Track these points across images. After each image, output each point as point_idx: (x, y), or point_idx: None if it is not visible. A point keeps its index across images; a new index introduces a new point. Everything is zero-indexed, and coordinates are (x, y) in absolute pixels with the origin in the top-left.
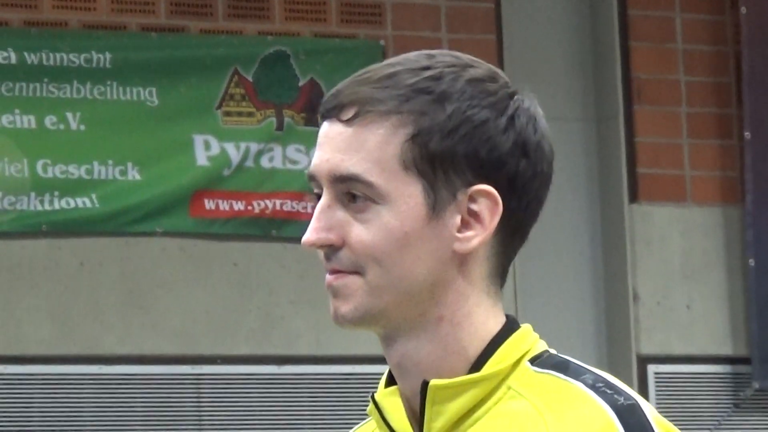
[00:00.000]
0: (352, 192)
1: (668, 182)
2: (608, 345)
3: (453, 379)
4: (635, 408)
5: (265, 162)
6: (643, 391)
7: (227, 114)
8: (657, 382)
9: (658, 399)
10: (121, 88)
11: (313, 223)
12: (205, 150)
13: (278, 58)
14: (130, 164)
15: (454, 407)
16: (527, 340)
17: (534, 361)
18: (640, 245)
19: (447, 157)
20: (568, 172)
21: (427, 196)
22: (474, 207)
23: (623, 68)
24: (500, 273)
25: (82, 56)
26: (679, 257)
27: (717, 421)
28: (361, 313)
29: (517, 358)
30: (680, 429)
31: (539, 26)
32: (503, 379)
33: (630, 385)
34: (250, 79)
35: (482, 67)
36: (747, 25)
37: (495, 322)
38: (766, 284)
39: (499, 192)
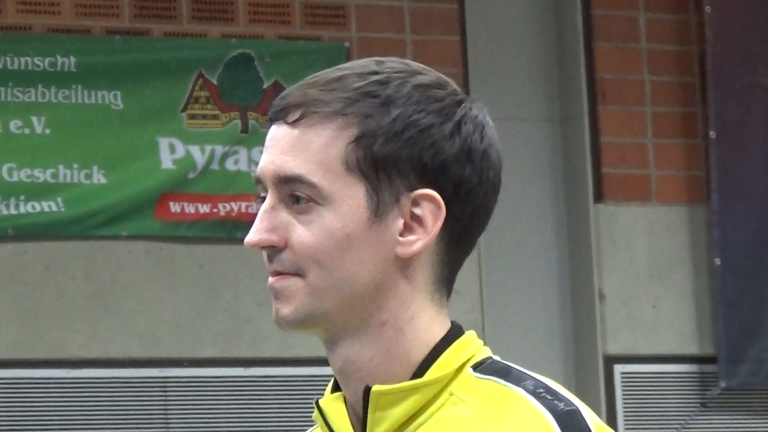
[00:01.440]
0: (296, 194)
1: (633, 182)
2: (574, 345)
3: (395, 385)
4: (575, 414)
5: (230, 164)
6: (610, 391)
7: (192, 117)
8: (623, 381)
9: (624, 399)
10: (86, 92)
11: (256, 224)
12: (170, 153)
13: (242, 61)
14: (95, 168)
15: (397, 413)
16: (470, 346)
17: (477, 367)
18: (605, 245)
19: (391, 161)
20: (533, 172)
21: (369, 198)
22: (417, 211)
23: (587, 68)
24: (446, 280)
25: (47, 60)
26: (644, 257)
27: (684, 420)
28: (302, 315)
29: (459, 365)
30: (647, 429)
31: (503, 27)
32: (446, 385)
33: (596, 385)
34: (214, 81)
35: (431, 74)
36: (711, 24)
37: (439, 328)
38: (731, 283)
39: (443, 197)
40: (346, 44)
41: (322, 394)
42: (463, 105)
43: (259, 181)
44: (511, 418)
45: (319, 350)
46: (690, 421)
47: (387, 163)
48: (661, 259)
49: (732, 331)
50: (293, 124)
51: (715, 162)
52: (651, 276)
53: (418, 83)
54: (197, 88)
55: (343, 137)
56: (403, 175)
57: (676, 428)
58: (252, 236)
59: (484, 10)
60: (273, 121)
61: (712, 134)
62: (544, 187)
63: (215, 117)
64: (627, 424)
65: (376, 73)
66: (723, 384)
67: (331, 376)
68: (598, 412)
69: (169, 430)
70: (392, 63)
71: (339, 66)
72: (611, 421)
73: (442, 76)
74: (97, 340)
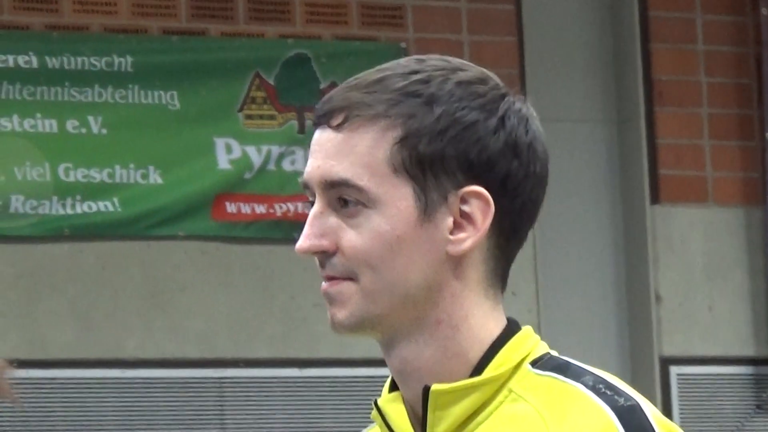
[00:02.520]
0: (344, 197)
1: (689, 183)
2: (630, 346)
3: (454, 384)
4: (636, 409)
5: (286, 165)
6: (666, 393)
7: (249, 117)
8: (680, 383)
9: (680, 400)
10: (142, 92)
11: (306, 230)
12: (226, 153)
13: (299, 61)
14: (151, 168)
15: (456, 411)
16: (528, 342)
17: (535, 363)
18: (661, 246)
19: (437, 159)
20: (589, 173)
21: (417, 198)
22: (466, 208)
23: (644, 70)
24: (499, 276)
25: (104, 60)
26: (700, 258)
27: (740, 422)
28: (357, 319)
29: (518, 361)
30: (703, 430)
31: (560, 28)
32: (504, 382)
33: (652, 386)
34: (271, 82)
35: (472, 70)
36: None
37: (495, 325)
38: None
39: (490, 193)
40: (403, 45)
41: (378, 395)
42: (506, 99)
43: (306, 186)
44: (572, 414)
45: (375, 351)
46: (746, 423)
47: (433, 162)
48: (717, 260)
49: None
50: (337, 128)
51: None
52: (707, 277)
53: (460, 80)
54: (254, 88)
55: (387, 139)
56: (449, 173)
57: (732, 430)
58: (303, 242)
59: (541, 11)
60: (317, 125)
61: None
62: (601, 188)
63: (272, 117)
64: (683, 426)
65: (417, 72)
66: None
67: (387, 376)
68: None
69: (225, 430)
70: (433, 61)
71: (380, 66)
72: None
73: (484, 70)
74: (152, 341)
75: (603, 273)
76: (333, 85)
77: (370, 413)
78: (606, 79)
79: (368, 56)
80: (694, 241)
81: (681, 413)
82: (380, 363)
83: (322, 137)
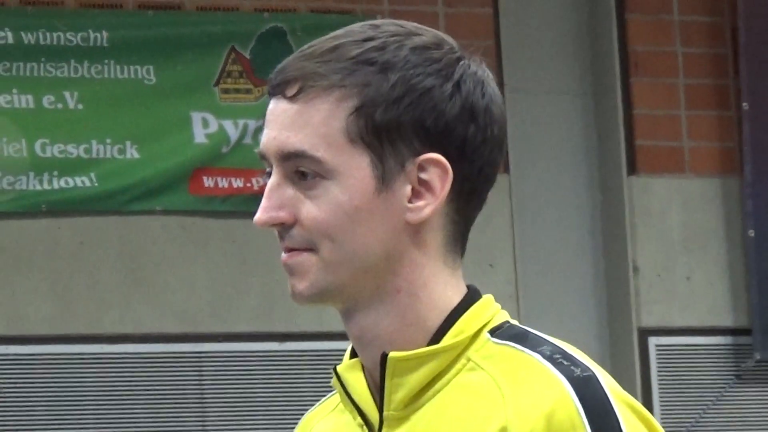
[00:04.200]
0: (301, 169)
1: (666, 154)
2: (609, 318)
3: (412, 351)
4: (591, 379)
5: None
6: (645, 364)
7: (225, 91)
8: (658, 354)
9: (659, 371)
10: (118, 67)
11: (264, 202)
12: (203, 127)
13: (275, 35)
14: (128, 143)
15: (414, 379)
16: (488, 310)
17: (494, 332)
18: (639, 217)
19: (393, 128)
20: (566, 145)
21: (375, 168)
22: (424, 176)
23: (620, 40)
24: (458, 241)
25: (79, 35)
26: (678, 229)
27: (719, 392)
28: (318, 290)
29: (476, 330)
30: (681, 400)
31: (535, 0)
32: (463, 351)
33: (631, 358)
34: (247, 55)
35: (427, 34)
36: None
37: (454, 293)
38: (766, 255)
39: (448, 159)
40: (379, 17)
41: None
42: (461, 63)
43: (263, 157)
44: (528, 384)
45: None
46: (725, 393)
47: (389, 131)
48: (695, 231)
49: (766, 303)
50: (292, 98)
51: (749, 133)
52: (685, 248)
53: (415, 45)
54: (230, 62)
55: (343, 109)
56: (406, 141)
57: (710, 400)
58: (260, 215)
59: None
60: (272, 95)
61: (745, 106)
62: (578, 159)
63: (248, 91)
64: (662, 397)
65: (371, 39)
66: (757, 356)
67: None
68: (632, 384)
69: (204, 404)
70: (387, 26)
71: (334, 33)
72: (646, 393)
73: (438, 33)
74: (131, 316)
75: (581, 245)
76: None
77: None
78: (582, 50)
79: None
80: (671, 211)
81: (660, 384)
82: None
83: (277, 108)
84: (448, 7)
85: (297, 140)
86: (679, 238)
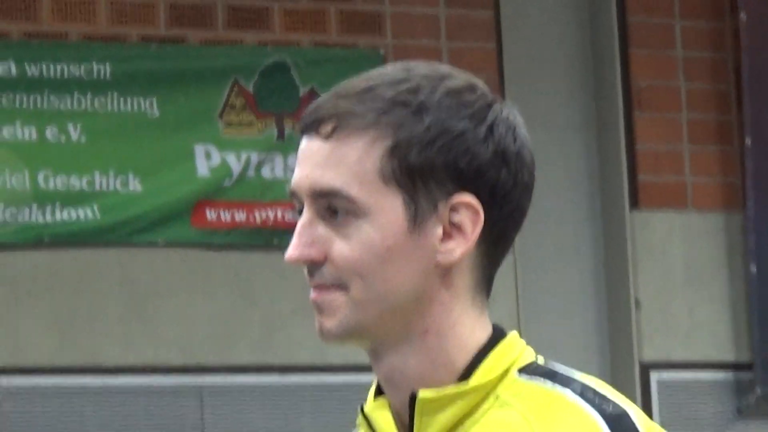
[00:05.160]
0: (333, 207)
1: (669, 189)
2: (611, 352)
3: (441, 391)
4: (624, 417)
5: (266, 172)
6: (646, 398)
7: (228, 124)
8: (660, 389)
9: (660, 406)
10: (121, 99)
11: (295, 240)
12: (206, 160)
13: (278, 68)
14: (131, 175)
15: (443, 418)
16: (515, 349)
17: (522, 370)
18: (641, 252)
19: (426, 169)
20: (568, 179)
21: (407, 208)
22: (455, 218)
23: (623, 75)
24: (485, 283)
25: (83, 67)
26: (680, 264)
27: (720, 427)
28: (346, 328)
29: (504, 368)
30: None
31: (539, 34)
32: (491, 389)
33: (632, 392)
34: (250, 89)
35: (460, 77)
36: (747, 32)
37: (482, 332)
38: (767, 290)
39: (480, 202)
40: (382, 51)
41: (358, 402)
42: (493, 107)
43: (294, 194)
44: (560, 421)
45: (355, 358)
46: (726, 428)
47: (423, 172)
48: (697, 266)
49: None
50: (326, 137)
51: (751, 169)
52: (687, 283)
53: (449, 89)
54: (233, 95)
55: (377, 148)
56: (439, 182)
57: None
58: (292, 252)
59: (519, 17)
60: (304, 133)
61: (748, 141)
62: (580, 194)
63: (251, 124)
64: None
65: (405, 80)
66: (759, 391)
67: (367, 382)
68: None
69: None
70: (420, 68)
71: (367, 74)
72: None
73: (472, 78)
74: (132, 348)
75: (583, 279)
76: (312, 91)
77: (350, 419)
78: (585, 85)
79: (347, 63)
80: (673, 246)
81: (661, 419)
82: (360, 369)
83: (311, 146)
84: (451, 42)
85: (330, 178)
86: (681, 273)
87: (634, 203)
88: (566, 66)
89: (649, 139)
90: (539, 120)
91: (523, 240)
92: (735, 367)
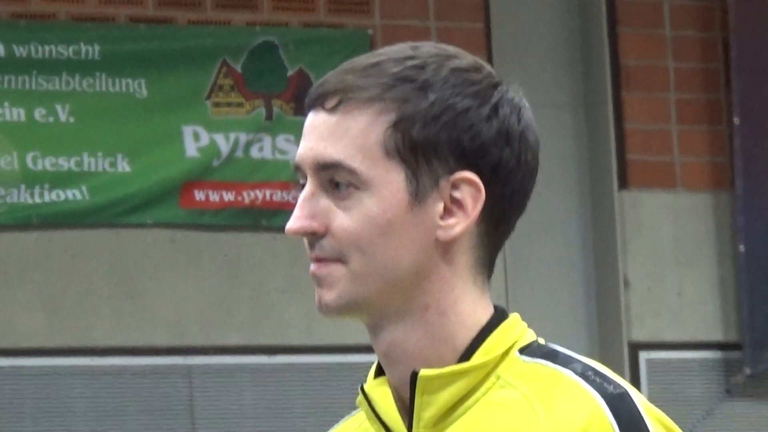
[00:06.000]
0: (336, 180)
1: (658, 168)
2: (599, 332)
3: (443, 369)
4: (625, 396)
5: (254, 152)
6: (635, 378)
7: (216, 105)
8: (648, 368)
9: (649, 385)
10: (110, 80)
11: (297, 211)
12: (194, 141)
13: (267, 49)
14: (119, 156)
15: (444, 397)
16: (516, 329)
17: (523, 350)
18: (630, 231)
19: (429, 145)
20: (557, 158)
21: (409, 183)
22: (457, 194)
23: (611, 54)
24: (487, 263)
25: (71, 48)
26: (669, 243)
27: (709, 407)
28: (345, 302)
29: (506, 348)
30: (672, 415)
31: (527, 14)
32: (492, 369)
33: (621, 371)
34: (238, 69)
35: (467, 57)
36: (735, 11)
37: (483, 312)
38: (756, 270)
39: (482, 180)
40: (370, 32)
41: (349, 381)
42: (499, 88)
43: (298, 168)
44: (562, 400)
45: (344, 338)
46: (715, 408)
47: (426, 147)
48: (686, 245)
49: (757, 318)
50: (331, 110)
51: (740, 148)
52: (675, 262)
53: (455, 67)
54: (221, 76)
55: (381, 122)
56: (442, 158)
57: (701, 415)
58: (293, 223)
59: None
60: (310, 108)
61: (736, 120)
62: (569, 173)
63: (239, 105)
64: None
65: (412, 57)
66: (748, 371)
67: (358, 362)
68: None
69: (194, 417)
70: (428, 47)
71: (375, 52)
72: None
73: (478, 59)
74: (121, 328)
75: (571, 259)
76: (300, 72)
77: (339, 399)
78: (573, 64)
79: (335, 43)
80: (662, 226)
81: (650, 398)
82: (349, 349)
83: (315, 120)
84: (439, 22)
85: (334, 150)
86: (670, 252)
87: (623, 183)
88: (554, 45)
89: (637, 119)
90: (528, 99)
91: None
92: (724, 346)
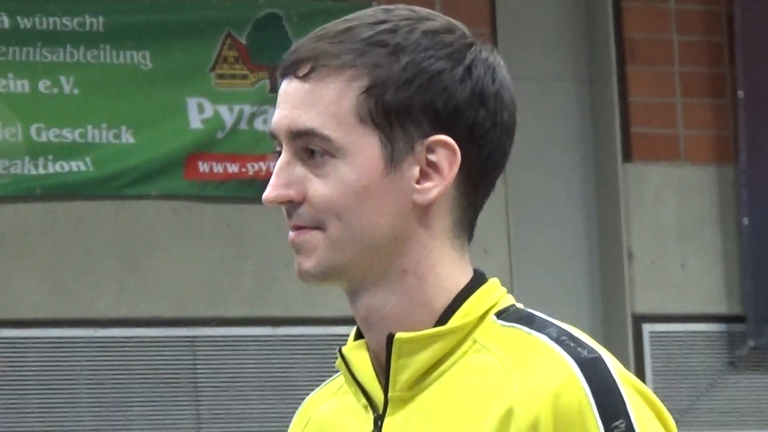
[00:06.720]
0: (310, 147)
1: (662, 141)
2: (603, 305)
3: (419, 332)
4: (598, 361)
5: (258, 124)
6: (639, 351)
7: (220, 77)
8: (652, 341)
9: (653, 358)
10: (114, 52)
11: (273, 180)
12: (198, 113)
13: (271, 21)
14: (123, 128)
15: (420, 360)
16: (494, 293)
17: (500, 314)
18: (634, 205)
19: (403, 109)
20: (561, 132)
21: (383, 148)
22: (432, 158)
23: (616, 28)
24: (465, 225)
25: (75, 20)
26: (673, 216)
27: (712, 379)
28: (324, 268)
29: (483, 312)
30: (675, 388)
31: None
32: (469, 333)
33: (625, 344)
34: (243, 41)
35: (439, 19)
36: None
37: (461, 275)
38: (760, 243)
39: (458, 143)
40: (375, 4)
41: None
42: (472, 48)
43: (273, 136)
44: (535, 365)
45: (346, 309)
46: (718, 380)
47: (399, 112)
48: (690, 218)
49: (760, 291)
50: (304, 78)
51: (744, 122)
52: (679, 236)
53: (427, 29)
54: (226, 47)
55: (354, 88)
56: (416, 122)
57: (704, 387)
58: (269, 192)
59: None
60: (283, 76)
61: (741, 94)
62: (573, 147)
63: (244, 77)
64: (655, 383)
65: (383, 21)
66: (751, 343)
67: None
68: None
69: (198, 389)
70: (400, 10)
71: (347, 17)
72: (640, 379)
73: (451, 20)
74: (125, 300)
75: (575, 231)
76: None
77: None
78: (577, 38)
79: (340, 15)
80: (666, 199)
81: (654, 371)
82: (353, 321)
83: (288, 87)
84: None
85: (307, 118)
86: (673, 225)
87: (627, 156)
88: (559, 18)
89: (641, 92)
90: (531, 72)
91: (515, 193)
92: (727, 319)
